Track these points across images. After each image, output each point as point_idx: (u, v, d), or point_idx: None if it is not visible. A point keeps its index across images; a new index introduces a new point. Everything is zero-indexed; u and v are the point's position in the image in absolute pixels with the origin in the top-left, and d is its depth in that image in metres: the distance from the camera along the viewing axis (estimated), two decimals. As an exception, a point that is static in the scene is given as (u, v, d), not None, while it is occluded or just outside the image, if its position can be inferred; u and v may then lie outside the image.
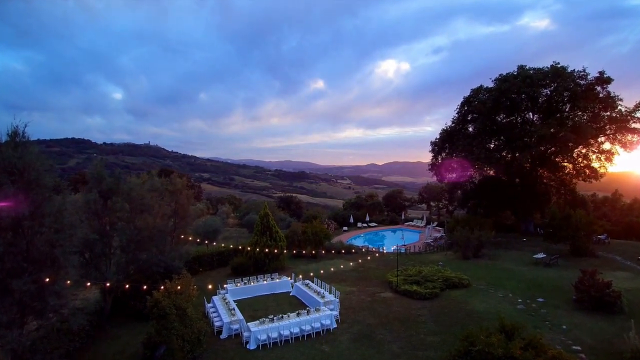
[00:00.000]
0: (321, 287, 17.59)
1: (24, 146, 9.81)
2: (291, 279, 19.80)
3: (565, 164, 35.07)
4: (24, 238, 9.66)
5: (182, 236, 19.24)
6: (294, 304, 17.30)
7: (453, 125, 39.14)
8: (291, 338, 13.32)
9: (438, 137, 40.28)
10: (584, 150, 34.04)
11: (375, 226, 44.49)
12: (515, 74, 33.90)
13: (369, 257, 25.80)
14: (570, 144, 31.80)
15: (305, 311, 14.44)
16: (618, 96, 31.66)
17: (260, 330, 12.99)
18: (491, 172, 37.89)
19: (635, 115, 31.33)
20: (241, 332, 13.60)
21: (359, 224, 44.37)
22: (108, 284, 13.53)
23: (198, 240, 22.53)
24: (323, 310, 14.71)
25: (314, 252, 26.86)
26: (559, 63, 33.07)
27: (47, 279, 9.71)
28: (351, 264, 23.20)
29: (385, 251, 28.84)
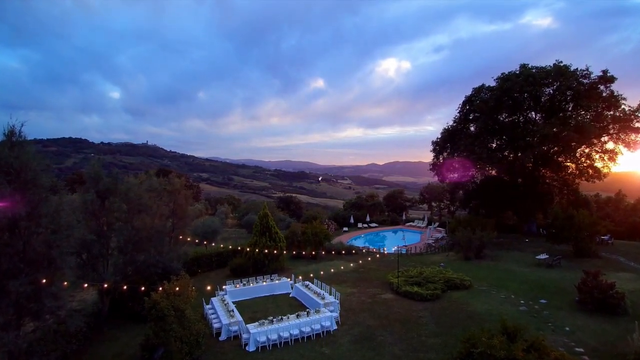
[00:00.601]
0: (321, 289, 17.45)
1: (21, 146, 9.73)
2: (291, 280, 19.68)
3: (568, 164, 34.80)
4: (20, 239, 9.58)
5: (181, 237, 19.13)
6: (293, 305, 17.17)
7: (455, 124, 38.93)
8: (291, 340, 13.19)
9: (439, 136, 40.07)
10: (587, 150, 33.78)
11: (375, 227, 44.31)
12: (517, 72, 33.62)
13: (369, 258, 25.64)
14: (573, 144, 31.52)
15: (305, 313, 14.32)
16: (621, 95, 31.40)
17: (260, 332, 12.88)
18: (493, 172, 37.67)
19: (639, 115, 31.06)
20: (240, 334, 13.48)
21: (360, 225, 44.21)
22: (106, 285, 13.44)
23: (197, 240, 22.42)
24: (323, 311, 14.59)
25: (313, 252, 26.72)
26: (561, 62, 32.79)
27: (44, 280, 9.63)
28: (351, 264, 23.06)
29: (386, 252, 28.67)
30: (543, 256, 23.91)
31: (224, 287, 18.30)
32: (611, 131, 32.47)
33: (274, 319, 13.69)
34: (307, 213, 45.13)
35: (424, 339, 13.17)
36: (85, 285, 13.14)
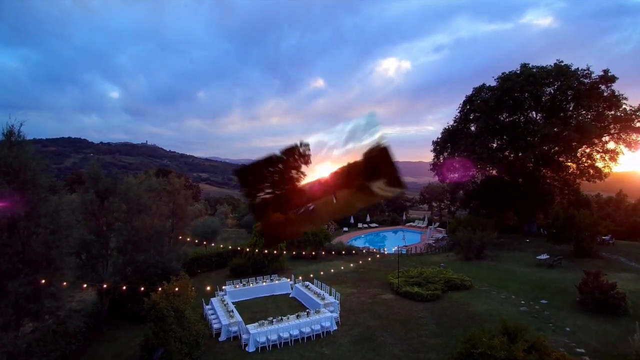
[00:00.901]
0: (321, 289, 17.41)
1: (20, 145, 9.68)
2: (291, 280, 19.64)
3: (569, 164, 34.74)
4: (19, 239, 9.54)
5: (180, 237, 19.08)
6: (293, 305, 17.13)
7: (455, 124, 38.87)
8: (291, 340, 13.16)
9: (440, 136, 40.02)
10: (587, 150, 33.72)
11: (376, 227, 44.27)
12: (518, 72, 33.54)
13: (369, 258, 25.60)
14: (574, 144, 31.43)
15: (305, 313, 14.27)
16: (622, 95, 31.33)
17: (259, 333, 12.84)
18: (494, 172, 37.62)
19: (640, 114, 31.00)
20: (240, 335, 13.44)
21: (360, 225, 44.13)
22: (105, 286, 13.41)
23: (196, 241, 22.37)
24: (323, 312, 14.55)
25: (313, 253, 26.69)
26: (562, 61, 32.68)
27: (43, 281, 9.59)
28: (351, 265, 23.01)
29: (386, 252, 28.60)
30: (544, 256, 23.84)
31: (223, 287, 18.25)
32: (612, 131, 32.40)
33: (274, 320, 13.65)
34: (307, 213, 45.01)
35: (424, 340, 13.13)
36: (85, 285, 13.12)
